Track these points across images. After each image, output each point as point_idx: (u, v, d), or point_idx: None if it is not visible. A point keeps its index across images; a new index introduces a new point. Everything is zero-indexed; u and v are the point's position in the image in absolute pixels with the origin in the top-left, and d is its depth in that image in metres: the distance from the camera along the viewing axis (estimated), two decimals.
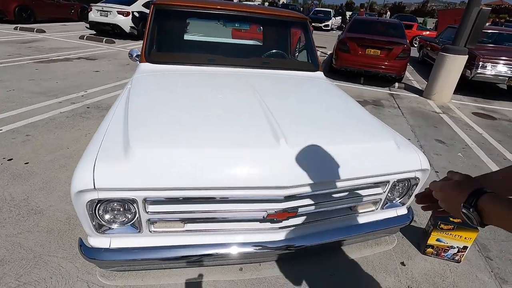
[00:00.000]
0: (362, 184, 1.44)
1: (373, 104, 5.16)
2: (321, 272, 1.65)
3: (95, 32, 9.59)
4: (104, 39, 8.57)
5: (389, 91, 6.14)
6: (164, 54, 2.45)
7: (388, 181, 1.53)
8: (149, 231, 1.32)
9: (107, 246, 1.31)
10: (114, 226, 1.29)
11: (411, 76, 7.80)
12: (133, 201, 1.22)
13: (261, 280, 1.56)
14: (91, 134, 3.01)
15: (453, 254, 1.82)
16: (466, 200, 0.56)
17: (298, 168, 1.28)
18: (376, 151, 1.47)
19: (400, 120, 4.42)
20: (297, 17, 2.74)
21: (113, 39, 8.78)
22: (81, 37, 8.83)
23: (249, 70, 2.34)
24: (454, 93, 5.74)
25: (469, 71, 6.00)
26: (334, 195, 1.44)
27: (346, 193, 1.47)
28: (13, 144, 2.69)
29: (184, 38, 2.98)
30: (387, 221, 1.68)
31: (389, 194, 1.61)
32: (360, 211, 1.62)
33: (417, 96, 5.95)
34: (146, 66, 2.27)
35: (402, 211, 1.74)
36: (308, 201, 1.38)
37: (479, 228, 0.49)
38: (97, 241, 1.32)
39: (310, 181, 1.30)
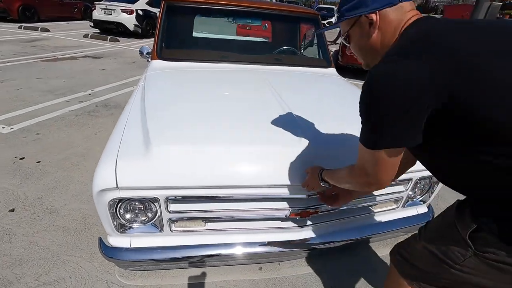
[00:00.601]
0: None
1: None
2: (341, 271, 1.62)
3: (99, 31, 9.58)
4: (109, 38, 8.56)
5: None
6: (176, 51, 2.42)
7: (410, 179, 1.50)
8: (170, 230, 1.30)
9: (128, 246, 1.29)
10: (135, 225, 1.27)
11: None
12: (155, 200, 1.20)
13: (282, 279, 1.54)
14: (101, 132, 2.99)
15: None
16: (318, 178, 1.09)
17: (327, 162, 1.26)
18: None
19: None
20: (309, 13, 2.70)
21: (117, 37, 8.77)
22: (85, 36, 8.82)
23: (262, 67, 2.31)
24: None
25: None
26: None
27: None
28: (24, 143, 2.68)
29: (195, 35, 2.95)
30: (407, 220, 1.65)
31: (410, 192, 1.58)
32: (381, 209, 1.60)
33: None
34: (158, 63, 2.25)
35: (423, 209, 1.71)
36: None
37: None
38: (117, 240, 1.30)
39: None
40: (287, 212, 1.33)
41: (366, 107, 0.71)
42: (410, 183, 1.52)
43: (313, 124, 1.45)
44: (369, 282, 1.58)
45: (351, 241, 1.49)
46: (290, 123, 1.42)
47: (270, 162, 1.23)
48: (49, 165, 2.37)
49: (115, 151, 1.23)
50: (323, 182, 1.07)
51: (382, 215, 1.61)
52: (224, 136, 1.29)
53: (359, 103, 0.73)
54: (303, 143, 1.28)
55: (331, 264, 1.65)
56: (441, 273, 0.80)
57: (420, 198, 1.68)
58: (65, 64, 5.59)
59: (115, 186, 1.13)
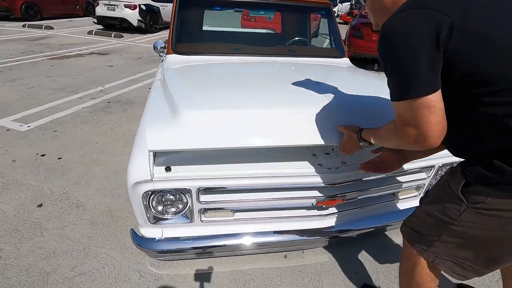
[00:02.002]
0: (408, 169, 1.43)
1: None
2: (364, 257, 1.66)
3: (102, 27, 9.56)
4: (113, 34, 8.55)
5: None
6: (191, 45, 2.43)
7: (433, 166, 1.52)
8: (200, 220, 1.34)
9: (160, 236, 1.34)
10: (168, 216, 1.31)
11: None
12: (186, 191, 1.24)
13: (306, 267, 1.58)
14: (116, 128, 3.04)
15: None
16: (357, 138, 1.04)
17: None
18: None
19: None
20: (321, 2, 2.68)
21: (121, 33, 8.75)
22: (90, 32, 8.81)
23: (277, 58, 2.31)
24: None
25: None
26: (381, 181, 1.44)
27: (392, 178, 1.47)
28: (43, 140, 2.73)
29: (207, 28, 2.95)
30: None
31: (432, 179, 1.60)
32: (403, 196, 1.62)
33: None
34: (174, 57, 2.26)
35: None
36: (356, 187, 1.39)
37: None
38: (149, 231, 1.34)
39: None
40: (313, 201, 1.36)
41: (385, 58, 0.74)
42: (432, 171, 1.53)
43: (344, 92, 1.46)
44: (391, 267, 1.62)
45: (373, 228, 1.52)
46: (318, 90, 1.43)
47: (304, 122, 1.21)
48: (70, 161, 2.42)
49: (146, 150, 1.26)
50: (363, 142, 1.02)
51: (404, 202, 1.64)
52: (252, 103, 1.31)
53: (380, 59, 0.78)
54: (333, 104, 1.29)
55: (354, 251, 1.69)
56: (442, 232, 0.86)
57: None
58: (72, 62, 5.62)
59: (150, 178, 1.16)
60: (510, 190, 0.71)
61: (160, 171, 1.21)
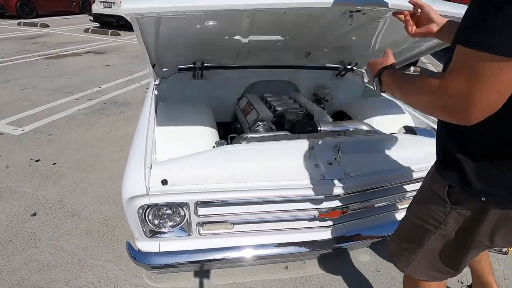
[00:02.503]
0: (417, 178, 1.39)
1: None
2: (367, 268, 1.62)
3: (99, 25, 9.43)
4: (110, 32, 8.43)
5: None
6: None
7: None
8: (199, 233, 1.29)
9: (157, 250, 1.29)
10: (164, 230, 1.27)
11: (425, 58, 7.57)
12: (184, 205, 1.20)
13: (308, 278, 1.54)
14: (113, 131, 2.98)
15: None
16: (376, 73, 0.85)
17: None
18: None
19: None
20: None
21: (118, 31, 8.63)
22: (86, 30, 8.69)
23: None
24: None
25: None
26: (388, 190, 1.40)
27: (398, 188, 1.43)
28: (37, 145, 2.67)
29: None
30: None
31: None
32: (407, 205, 1.58)
33: None
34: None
35: None
36: (360, 198, 1.34)
37: None
38: (145, 244, 1.30)
39: (368, 177, 1.27)
40: (315, 213, 1.32)
41: None
42: None
43: None
44: (395, 278, 1.58)
45: (377, 239, 1.48)
46: None
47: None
48: (65, 167, 2.36)
49: (141, 157, 1.22)
50: (377, 82, 0.84)
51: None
52: None
53: None
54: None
55: (357, 261, 1.65)
56: (426, 237, 0.87)
57: None
58: (68, 61, 5.53)
59: (145, 192, 1.12)
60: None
61: (156, 184, 1.17)
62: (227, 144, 1.49)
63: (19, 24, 9.16)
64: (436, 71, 6.33)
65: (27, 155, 2.51)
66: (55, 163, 2.40)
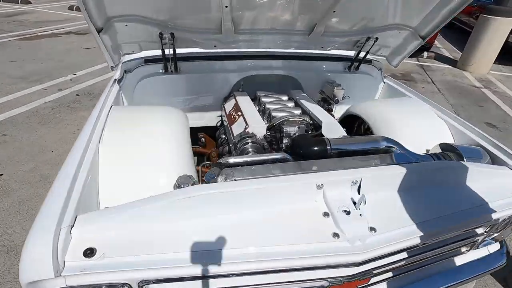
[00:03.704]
0: (469, 228, 0.98)
1: (403, 78, 4.51)
2: None
3: None
4: None
5: (418, 62, 5.43)
6: None
7: (497, 220, 1.05)
8: None
9: None
10: None
11: (438, 43, 6.97)
12: (123, 285, 0.77)
13: None
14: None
15: None
16: None
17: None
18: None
19: (439, 98, 3.82)
20: None
21: None
22: (70, 8, 8.02)
23: None
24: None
25: None
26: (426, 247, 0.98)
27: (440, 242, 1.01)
28: None
29: None
30: (478, 264, 1.23)
31: (487, 236, 1.14)
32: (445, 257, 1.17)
33: (450, 67, 5.25)
34: None
35: (495, 247, 1.28)
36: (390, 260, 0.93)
37: None
38: None
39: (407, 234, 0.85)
40: (324, 283, 0.90)
41: None
42: (493, 225, 1.07)
43: None
44: None
45: None
46: None
47: None
48: (13, 179, 1.93)
49: (58, 206, 0.81)
50: None
51: (446, 263, 1.19)
52: None
53: None
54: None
55: None
56: None
57: (494, 236, 1.24)
58: (45, 43, 4.97)
59: (56, 273, 0.70)
60: None
61: (76, 257, 0.74)
62: (196, 179, 1.04)
63: None
64: (452, 57, 5.78)
65: None
66: (2, 174, 1.97)
